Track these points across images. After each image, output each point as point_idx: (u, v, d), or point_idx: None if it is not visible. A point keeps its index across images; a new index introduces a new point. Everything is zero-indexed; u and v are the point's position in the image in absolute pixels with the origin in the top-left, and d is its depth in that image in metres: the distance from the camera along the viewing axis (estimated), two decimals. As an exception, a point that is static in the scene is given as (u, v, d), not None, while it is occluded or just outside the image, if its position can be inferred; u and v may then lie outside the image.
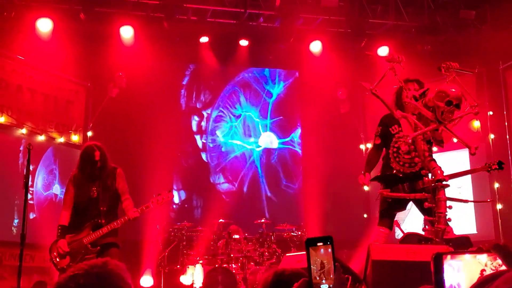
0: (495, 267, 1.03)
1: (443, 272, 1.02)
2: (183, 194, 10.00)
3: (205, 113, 10.43)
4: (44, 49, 8.30)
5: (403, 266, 3.59)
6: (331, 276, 1.42)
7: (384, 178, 4.77)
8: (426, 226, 4.24)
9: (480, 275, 1.01)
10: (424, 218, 4.26)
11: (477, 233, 8.50)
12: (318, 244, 1.46)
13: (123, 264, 1.47)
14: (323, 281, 1.43)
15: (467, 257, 1.05)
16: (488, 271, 1.03)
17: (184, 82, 10.40)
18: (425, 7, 8.99)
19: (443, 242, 4.00)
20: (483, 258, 1.04)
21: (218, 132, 10.39)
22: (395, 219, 4.90)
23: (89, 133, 8.97)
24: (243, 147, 10.43)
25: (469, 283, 0.86)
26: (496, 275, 0.82)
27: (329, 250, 1.45)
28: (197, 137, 10.33)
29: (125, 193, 5.08)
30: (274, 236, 8.05)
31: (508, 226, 8.35)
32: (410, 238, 4.52)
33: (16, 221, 7.92)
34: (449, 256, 1.04)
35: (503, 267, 0.98)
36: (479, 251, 1.06)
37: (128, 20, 8.75)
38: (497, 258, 1.01)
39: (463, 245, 3.93)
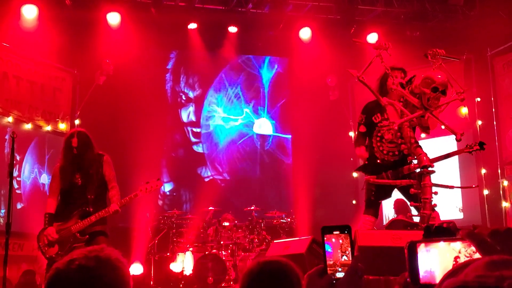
0: (469, 254, 1.03)
1: (417, 260, 1.03)
2: (172, 182, 9.99)
3: (193, 100, 10.38)
4: (30, 36, 8.19)
5: (389, 251, 3.61)
6: (347, 265, 1.40)
7: (367, 167, 4.78)
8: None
9: (454, 262, 1.01)
10: (410, 204, 4.29)
11: (463, 218, 8.59)
12: (335, 232, 1.44)
13: (118, 250, 1.51)
14: (339, 269, 1.41)
15: (441, 244, 1.05)
16: (463, 258, 1.03)
17: (172, 69, 10.33)
18: (414, -7, 8.98)
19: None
20: (457, 245, 1.05)
21: (207, 120, 10.36)
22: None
23: (77, 121, 8.90)
24: (232, 134, 10.41)
25: (444, 270, 0.86)
26: (468, 264, 0.82)
27: (347, 239, 1.44)
28: (186, 124, 10.29)
29: (112, 181, 5.04)
30: (263, 223, 8.09)
31: (494, 211, 8.43)
32: (396, 224, 4.56)
33: (3, 211, 7.87)
34: (423, 244, 1.04)
35: (477, 255, 0.99)
36: (454, 238, 1.06)
37: (115, 6, 8.66)
38: (471, 245, 1.02)
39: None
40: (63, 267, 1.41)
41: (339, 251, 1.41)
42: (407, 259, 1.06)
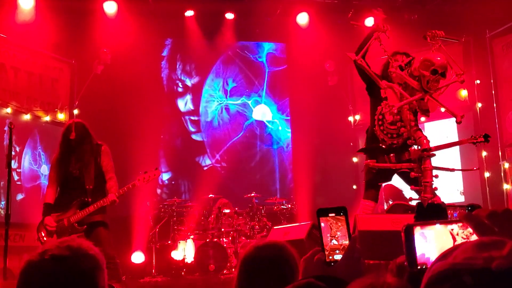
0: (466, 235, 1.02)
1: (414, 243, 1.01)
2: (170, 172, 9.97)
3: (191, 88, 10.34)
4: (27, 26, 8.14)
5: (389, 236, 3.61)
6: (345, 247, 1.39)
7: (369, 150, 4.75)
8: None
9: (453, 245, 1.00)
10: (410, 188, 4.28)
11: (464, 201, 8.58)
12: (330, 214, 1.42)
13: (88, 241, 1.50)
14: (337, 251, 1.40)
15: (437, 226, 1.04)
16: (459, 240, 1.02)
17: (169, 57, 10.28)
18: (412, -24, 8.91)
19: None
20: (455, 227, 1.03)
21: (206, 107, 10.33)
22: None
23: (75, 111, 8.87)
24: (232, 121, 10.38)
25: (440, 252, 0.85)
26: (457, 247, 0.81)
27: (343, 220, 1.42)
28: (184, 113, 10.26)
29: (109, 172, 5.05)
30: (264, 210, 8.11)
31: (496, 194, 8.42)
32: (397, 208, 4.55)
33: (3, 202, 7.87)
34: (419, 227, 1.03)
35: (474, 236, 0.97)
36: (450, 221, 1.05)
37: (111, -5, 8.59)
38: (468, 227, 1.00)
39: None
40: (36, 259, 1.40)
41: (338, 233, 1.40)
42: (404, 242, 1.05)
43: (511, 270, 0.73)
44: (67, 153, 4.98)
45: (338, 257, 1.38)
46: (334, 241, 1.40)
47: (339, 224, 1.43)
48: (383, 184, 5.32)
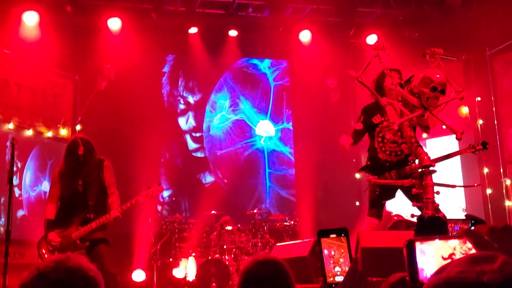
0: (464, 251, 1.03)
1: (416, 258, 1.02)
2: (172, 188, 9.95)
3: (193, 105, 10.38)
4: (31, 42, 8.21)
5: (392, 252, 3.59)
6: (346, 268, 1.38)
7: (370, 167, 4.77)
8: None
9: (450, 260, 1.01)
10: (412, 204, 4.27)
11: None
12: (331, 235, 1.42)
13: (85, 257, 1.45)
14: (338, 273, 1.40)
15: (437, 242, 1.05)
16: (458, 255, 1.02)
17: (172, 73, 10.34)
18: (412, -5, 9.00)
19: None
20: (453, 242, 1.04)
21: (209, 124, 10.36)
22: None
23: (78, 127, 8.90)
24: (234, 137, 10.40)
25: (438, 267, 0.85)
26: (453, 262, 0.83)
27: (344, 242, 1.42)
28: (186, 131, 10.27)
29: (112, 187, 5.01)
30: (267, 227, 8.07)
31: (498, 211, 8.40)
32: (399, 224, 4.54)
33: (3, 219, 7.85)
34: (419, 242, 1.04)
35: (473, 251, 0.98)
36: (450, 236, 1.05)
37: (115, 11, 8.68)
38: (467, 242, 1.01)
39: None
40: (31, 281, 1.33)
41: (339, 254, 1.39)
42: (406, 257, 1.05)
43: (502, 283, 0.75)
44: (74, 168, 4.94)
45: (339, 278, 1.38)
46: (338, 268, 1.40)
47: (342, 250, 1.42)
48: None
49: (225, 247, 7.65)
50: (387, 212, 6.83)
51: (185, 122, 10.28)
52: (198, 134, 10.27)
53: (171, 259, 7.91)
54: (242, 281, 1.90)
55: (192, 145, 10.23)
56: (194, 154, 10.20)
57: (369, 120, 4.79)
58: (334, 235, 1.42)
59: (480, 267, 0.78)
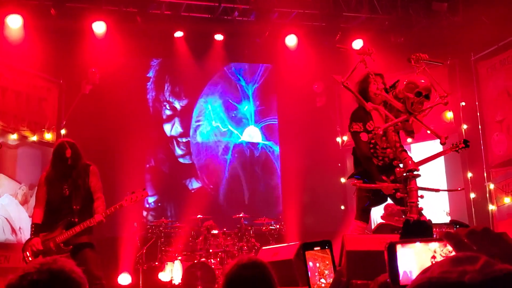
0: (445, 253, 1.04)
1: (397, 261, 1.04)
2: (157, 194, 9.90)
3: (179, 110, 10.36)
4: (15, 46, 8.14)
5: (376, 255, 3.61)
6: (330, 280, 1.40)
7: (358, 174, 4.78)
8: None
9: (430, 262, 1.02)
10: (386, 206, 4.30)
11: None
12: (316, 248, 1.44)
13: (71, 261, 1.46)
14: (323, 284, 1.41)
15: (418, 245, 1.06)
16: (438, 258, 1.04)
17: (158, 78, 10.31)
18: (398, -1, 9.09)
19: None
20: (434, 245, 1.06)
21: (195, 129, 10.34)
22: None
23: (63, 131, 8.84)
24: (221, 142, 10.40)
25: (420, 269, 0.87)
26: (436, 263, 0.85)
27: (328, 254, 1.44)
28: (172, 136, 10.24)
29: (97, 192, 5.01)
30: (252, 230, 8.09)
31: (481, 214, 8.50)
32: (383, 228, 4.58)
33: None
34: (400, 245, 1.05)
35: (453, 254, 1.00)
36: (430, 239, 1.07)
37: (100, 15, 8.63)
38: (447, 245, 1.02)
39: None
40: (16, 283, 1.35)
41: (323, 266, 1.41)
42: (387, 260, 1.07)
43: (483, 283, 0.77)
44: (62, 172, 4.93)
45: None
46: (322, 280, 1.42)
47: (326, 262, 1.45)
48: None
49: (211, 250, 7.65)
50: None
51: (170, 128, 10.24)
52: (184, 140, 10.25)
53: (157, 263, 7.89)
54: (226, 284, 1.91)
55: (178, 151, 10.20)
56: (180, 160, 10.17)
57: (364, 127, 4.74)
58: (318, 248, 1.44)
59: (462, 268, 0.80)
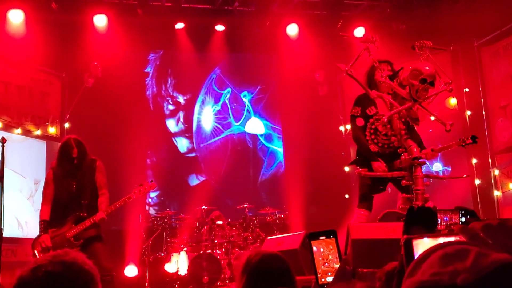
0: None
1: (414, 255, 1.04)
2: (161, 188, 9.90)
3: (182, 104, 10.34)
4: (17, 40, 8.13)
5: (382, 243, 3.63)
6: (334, 265, 1.41)
7: (360, 161, 4.79)
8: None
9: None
10: (402, 196, 4.31)
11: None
12: (321, 238, 1.45)
13: (81, 253, 1.47)
14: (329, 273, 1.42)
15: (426, 240, 1.06)
16: None
17: (159, 71, 10.28)
18: (400, -14, 9.02)
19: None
20: (441, 240, 1.05)
21: (198, 121, 10.33)
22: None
23: (66, 125, 8.85)
24: (224, 134, 10.40)
25: None
26: (427, 255, 0.83)
27: (333, 243, 1.45)
28: (175, 132, 10.22)
29: (103, 188, 5.05)
30: (257, 220, 8.10)
31: (486, 201, 8.49)
32: (389, 216, 4.58)
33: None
34: (417, 240, 1.06)
35: None
36: (438, 234, 1.07)
37: (101, 8, 8.62)
38: (452, 237, 1.02)
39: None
40: (29, 275, 1.35)
41: (329, 255, 1.42)
42: (404, 256, 1.07)
43: (475, 283, 0.75)
44: (68, 170, 4.96)
45: (330, 279, 1.41)
46: (326, 264, 1.43)
47: (330, 247, 1.46)
48: None
49: (216, 241, 7.68)
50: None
51: (175, 123, 10.22)
52: (188, 134, 10.24)
53: (162, 254, 7.92)
54: (250, 273, 1.89)
55: (181, 144, 10.19)
56: (182, 152, 10.16)
57: (363, 111, 4.77)
58: (323, 237, 1.45)
59: (453, 267, 0.78)
